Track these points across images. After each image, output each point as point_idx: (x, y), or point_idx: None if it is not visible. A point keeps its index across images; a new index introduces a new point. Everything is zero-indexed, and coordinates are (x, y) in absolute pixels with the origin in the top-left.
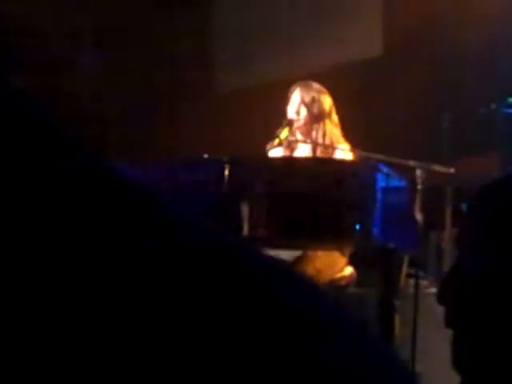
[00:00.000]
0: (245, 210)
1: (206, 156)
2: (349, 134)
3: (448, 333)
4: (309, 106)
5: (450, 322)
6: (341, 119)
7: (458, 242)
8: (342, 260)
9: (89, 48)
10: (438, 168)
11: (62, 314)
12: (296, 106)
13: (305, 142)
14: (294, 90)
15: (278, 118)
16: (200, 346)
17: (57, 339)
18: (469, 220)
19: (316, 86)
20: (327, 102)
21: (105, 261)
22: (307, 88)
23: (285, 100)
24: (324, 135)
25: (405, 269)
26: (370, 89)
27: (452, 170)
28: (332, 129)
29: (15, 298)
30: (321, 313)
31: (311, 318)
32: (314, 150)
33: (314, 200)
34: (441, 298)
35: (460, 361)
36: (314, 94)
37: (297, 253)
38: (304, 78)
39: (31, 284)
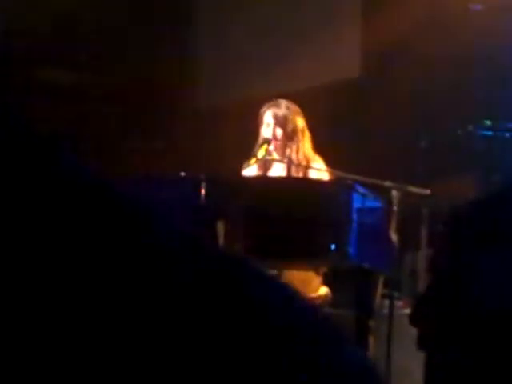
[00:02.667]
0: (220, 228)
1: (182, 174)
2: (325, 155)
3: (422, 353)
4: (282, 125)
5: (422, 343)
6: (316, 140)
7: (432, 263)
8: (317, 280)
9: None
10: (413, 189)
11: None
12: (271, 126)
13: (281, 161)
14: (265, 111)
15: (254, 138)
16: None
17: (56, 338)
18: (442, 242)
19: (286, 103)
20: (299, 119)
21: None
22: (278, 107)
23: (259, 120)
24: (298, 152)
25: (380, 289)
26: (347, 110)
27: (428, 192)
28: (305, 145)
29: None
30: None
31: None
32: (288, 169)
33: (290, 219)
34: (413, 319)
35: (433, 381)
36: (286, 112)
37: (272, 272)
38: (278, 97)
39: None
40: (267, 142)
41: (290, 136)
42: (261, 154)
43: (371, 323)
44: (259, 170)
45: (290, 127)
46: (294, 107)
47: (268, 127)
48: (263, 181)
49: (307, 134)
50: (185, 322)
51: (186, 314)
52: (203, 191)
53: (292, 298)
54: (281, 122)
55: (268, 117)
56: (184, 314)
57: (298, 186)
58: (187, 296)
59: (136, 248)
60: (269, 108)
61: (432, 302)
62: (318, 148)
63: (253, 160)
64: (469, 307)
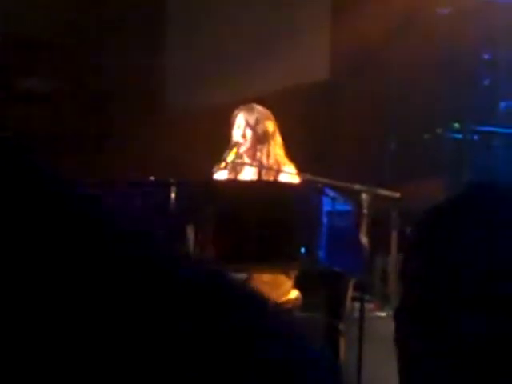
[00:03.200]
0: (191, 232)
1: (152, 178)
2: (295, 158)
3: (393, 356)
4: (253, 128)
5: (398, 341)
6: (287, 142)
7: (402, 269)
8: (288, 283)
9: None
10: (383, 192)
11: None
12: (242, 129)
13: (251, 164)
14: (237, 114)
15: (225, 141)
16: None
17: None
18: (411, 247)
19: (258, 108)
20: (270, 123)
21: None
22: (250, 111)
23: (231, 123)
24: (268, 156)
25: (350, 292)
26: (317, 112)
27: (397, 195)
28: (276, 150)
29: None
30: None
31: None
32: (259, 173)
33: (260, 223)
34: (398, 340)
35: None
36: (258, 116)
37: (242, 275)
38: (250, 101)
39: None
40: (236, 145)
41: (261, 140)
42: (230, 157)
43: (342, 326)
44: (230, 173)
45: (260, 130)
46: (266, 111)
47: (238, 129)
48: (233, 184)
49: (278, 139)
50: (163, 331)
51: (165, 325)
52: (173, 195)
53: (263, 303)
54: (251, 125)
55: (240, 120)
56: (163, 325)
57: (267, 190)
58: (162, 306)
59: (107, 259)
60: (241, 111)
61: (410, 313)
62: (288, 150)
63: (222, 164)
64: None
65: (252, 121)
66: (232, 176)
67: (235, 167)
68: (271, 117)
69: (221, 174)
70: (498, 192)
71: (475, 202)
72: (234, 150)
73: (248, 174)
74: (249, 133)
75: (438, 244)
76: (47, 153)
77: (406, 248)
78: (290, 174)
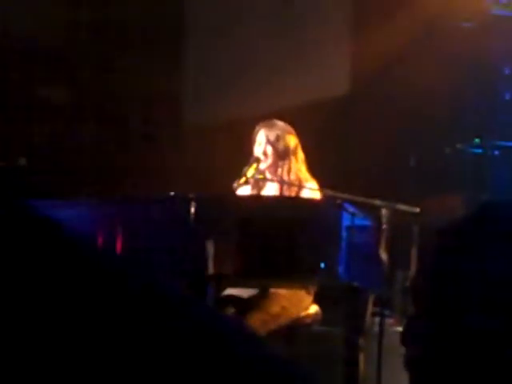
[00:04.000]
0: (210, 248)
1: (172, 193)
2: (315, 173)
3: None
4: (274, 145)
5: (408, 364)
6: (307, 157)
7: (412, 287)
8: (308, 298)
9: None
10: (403, 207)
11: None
12: (263, 145)
13: (271, 180)
14: (258, 131)
15: (245, 157)
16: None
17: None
18: (425, 263)
19: (280, 124)
20: (292, 139)
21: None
22: (271, 127)
23: (251, 138)
24: (289, 172)
25: (370, 307)
26: (337, 127)
27: (417, 210)
28: (297, 166)
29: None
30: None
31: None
32: (281, 189)
33: (280, 238)
34: (403, 340)
35: None
36: (278, 132)
37: (253, 291)
38: (269, 116)
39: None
40: (257, 160)
41: (282, 156)
42: (250, 172)
43: (361, 342)
44: (252, 189)
45: (281, 147)
46: (287, 127)
47: (259, 146)
48: (254, 200)
49: (300, 154)
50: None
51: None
52: (193, 210)
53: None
54: (272, 141)
55: (261, 136)
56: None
57: (287, 205)
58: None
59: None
60: (262, 127)
61: (419, 323)
62: (309, 165)
63: (243, 179)
64: (453, 328)
65: (273, 137)
66: (254, 192)
67: (258, 183)
68: (293, 132)
69: (243, 190)
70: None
71: (489, 223)
72: (254, 165)
73: (270, 189)
74: (269, 150)
75: (449, 263)
76: (65, 168)
77: (417, 267)
78: (311, 190)
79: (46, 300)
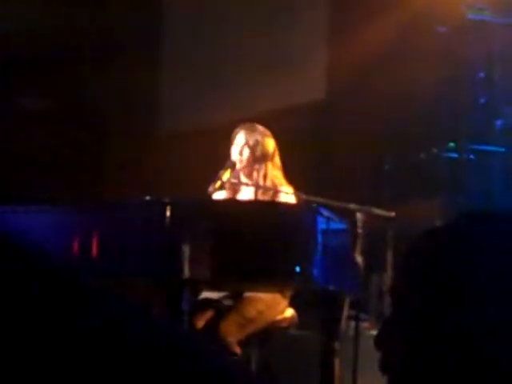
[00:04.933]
0: (186, 251)
1: (147, 197)
2: (291, 176)
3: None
4: (252, 148)
5: (384, 367)
6: (283, 161)
7: (392, 291)
8: (284, 302)
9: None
10: (378, 211)
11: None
12: (239, 147)
13: (246, 184)
14: (238, 132)
15: (222, 161)
16: None
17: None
18: (402, 270)
19: (260, 128)
20: (271, 144)
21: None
22: (251, 130)
23: (229, 142)
24: (265, 177)
25: (346, 311)
26: (313, 131)
27: (392, 214)
28: (273, 171)
29: None
30: None
31: None
32: (256, 193)
33: (255, 242)
34: (377, 343)
35: None
36: (258, 137)
37: (238, 294)
38: (248, 120)
39: None
40: (233, 165)
41: (258, 160)
42: (226, 176)
43: (337, 345)
44: (228, 193)
45: (259, 151)
46: (267, 132)
47: (237, 147)
48: (229, 203)
49: (277, 160)
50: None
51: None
52: (168, 214)
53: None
54: (251, 145)
55: (240, 138)
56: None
57: (262, 209)
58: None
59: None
60: (241, 129)
61: (394, 326)
62: (285, 170)
63: (218, 183)
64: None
65: (252, 141)
66: (230, 195)
67: (233, 186)
68: (272, 138)
69: (219, 194)
70: (490, 222)
71: (466, 232)
72: (230, 168)
73: (246, 193)
74: (246, 151)
75: (424, 271)
76: (43, 171)
77: (395, 273)
78: (286, 194)
79: None
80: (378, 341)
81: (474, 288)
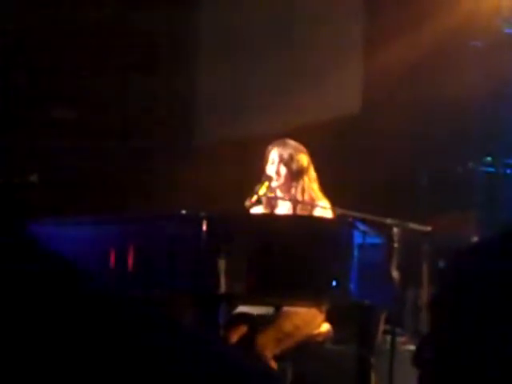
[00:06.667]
0: (222, 266)
1: (183, 211)
2: (326, 191)
3: None
4: (287, 164)
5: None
6: (319, 175)
7: (432, 306)
8: (320, 316)
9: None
10: (414, 226)
11: None
12: (276, 165)
13: (283, 198)
14: (271, 150)
15: (256, 175)
16: None
17: None
18: (441, 286)
19: (292, 143)
20: (304, 158)
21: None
22: (284, 146)
23: (263, 156)
24: (303, 192)
25: (381, 326)
26: (348, 146)
27: (428, 229)
28: (310, 185)
29: None
30: None
31: None
32: (294, 208)
33: (292, 257)
34: (415, 360)
35: None
36: (292, 152)
37: (269, 310)
38: (280, 135)
39: None
40: (268, 179)
41: (295, 176)
42: (262, 191)
43: (373, 360)
44: (265, 208)
45: (294, 167)
46: (300, 147)
47: (273, 165)
48: (266, 218)
49: (312, 173)
50: None
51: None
52: (204, 229)
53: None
54: (286, 161)
55: (274, 155)
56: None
57: (299, 224)
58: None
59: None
60: (275, 146)
61: (433, 344)
62: (321, 184)
63: (254, 197)
64: (469, 353)
65: (286, 156)
66: (267, 210)
67: (270, 202)
68: (305, 151)
69: (256, 209)
70: None
71: (505, 248)
72: (265, 183)
73: (283, 208)
74: (283, 170)
75: (464, 286)
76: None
77: (435, 289)
78: (323, 209)
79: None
80: (415, 359)
81: None
